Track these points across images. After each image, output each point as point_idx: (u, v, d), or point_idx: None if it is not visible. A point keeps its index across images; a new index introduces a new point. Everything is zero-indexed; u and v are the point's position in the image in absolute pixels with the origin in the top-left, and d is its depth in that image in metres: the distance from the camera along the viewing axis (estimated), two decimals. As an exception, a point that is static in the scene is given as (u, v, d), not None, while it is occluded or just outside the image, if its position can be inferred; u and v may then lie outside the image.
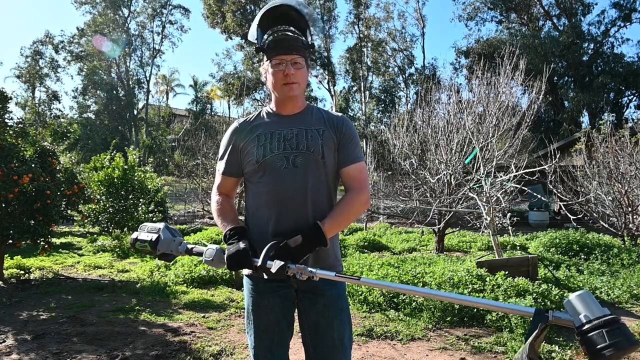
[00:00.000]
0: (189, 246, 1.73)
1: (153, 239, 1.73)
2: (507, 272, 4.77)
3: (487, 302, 1.56)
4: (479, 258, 5.79)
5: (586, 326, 1.07)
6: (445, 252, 8.47)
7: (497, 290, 4.40)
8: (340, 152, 1.76)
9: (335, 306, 1.73)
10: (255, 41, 1.71)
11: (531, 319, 1.18)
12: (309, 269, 1.48)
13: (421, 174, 8.50)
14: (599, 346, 1.03)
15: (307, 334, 1.75)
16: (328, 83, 37.73)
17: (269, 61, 1.70)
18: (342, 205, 1.71)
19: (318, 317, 1.72)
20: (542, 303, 4.08)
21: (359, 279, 1.47)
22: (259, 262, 1.50)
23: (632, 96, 26.13)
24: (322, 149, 1.71)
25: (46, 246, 6.10)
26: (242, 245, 1.55)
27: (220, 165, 1.83)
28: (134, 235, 1.81)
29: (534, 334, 1.15)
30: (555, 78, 25.67)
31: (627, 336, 1.03)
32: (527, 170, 6.11)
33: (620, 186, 7.91)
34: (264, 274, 1.52)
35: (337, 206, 1.73)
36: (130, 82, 36.90)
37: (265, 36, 1.72)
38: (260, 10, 1.71)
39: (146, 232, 1.78)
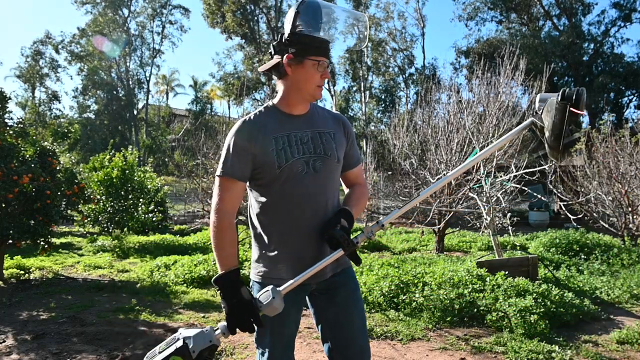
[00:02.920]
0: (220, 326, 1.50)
1: (177, 348, 1.43)
2: (507, 272, 4.77)
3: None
4: (479, 258, 5.79)
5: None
6: (445, 252, 8.47)
7: (497, 290, 4.39)
8: (348, 153, 1.79)
9: (353, 298, 1.77)
10: (294, 29, 1.57)
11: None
12: (378, 222, 1.62)
13: (421, 174, 8.49)
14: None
15: (328, 330, 1.77)
16: (328, 83, 37.68)
17: (303, 57, 1.58)
18: (358, 197, 1.78)
19: (339, 311, 1.74)
20: (542, 303, 4.07)
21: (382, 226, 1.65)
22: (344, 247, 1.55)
23: (632, 96, 26.14)
24: (337, 153, 1.72)
25: (46, 246, 6.10)
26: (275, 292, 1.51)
27: (229, 169, 1.61)
28: None
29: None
30: (555, 78, 25.66)
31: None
32: (527, 170, 6.11)
33: (620, 186, 7.91)
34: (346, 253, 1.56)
35: (353, 199, 1.78)
36: (130, 82, 36.91)
37: (305, 29, 1.57)
38: (319, 4, 1.59)
39: (161, 352, 1.46)
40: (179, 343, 1.44)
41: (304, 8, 1.57)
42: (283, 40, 1.60)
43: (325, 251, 1.63)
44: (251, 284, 1.75)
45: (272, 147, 1.62)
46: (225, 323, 1.50)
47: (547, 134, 1.51)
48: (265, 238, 1.68)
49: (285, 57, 1.59)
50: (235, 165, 1.61)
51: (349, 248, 1.55)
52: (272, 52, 1.65)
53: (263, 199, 1.67)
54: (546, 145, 1.54)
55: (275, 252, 1.65)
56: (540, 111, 1.53)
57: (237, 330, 1.48)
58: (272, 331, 1.66)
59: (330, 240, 1.58)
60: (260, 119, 1.68)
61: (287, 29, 1.59)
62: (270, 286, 1.51)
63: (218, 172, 1.63)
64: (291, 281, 1.55)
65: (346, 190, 1.89)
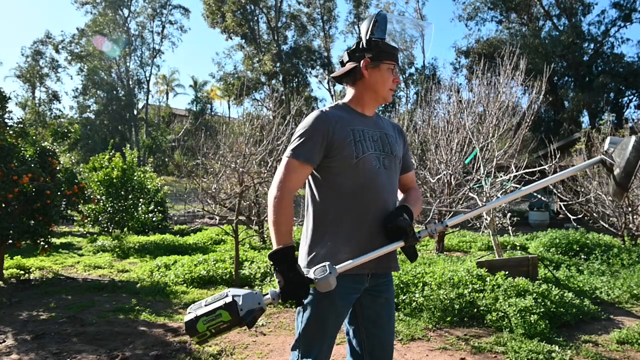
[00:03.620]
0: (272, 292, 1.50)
1: (227, 302, 1.43)
2: (507, 272, 4.77)
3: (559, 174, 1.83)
4: (479, 258, 5.79)
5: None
6: (445, 252, 8.47)
7: (497, 290, 4.39)
8: (403, 158, 1.90)
9: (392, 304, 1.87)
10: (372, 35, 1.71)
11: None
12: (443, 222, 1.70)
13: (421, 174, 8.49)
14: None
15: (363, 328, 1.81)
16: (328, 83, 37.71)
17: (379, 61, 1.72)
18: (415, 200, 1.88)
19: (380, 311, 1.80)
20: (542, 303, 4.07)
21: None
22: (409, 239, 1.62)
23: (632, 96, 26.13)
24: (399, 154, 1.84)
25: (46, 246, 6.10)
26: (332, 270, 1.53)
27: (304, 152, 1.63)
28: (190, 317, 1.43)
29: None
30: (555, 78, 25.67)
31: None
32: (527, 170, 6.11)
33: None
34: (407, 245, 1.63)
35: (411, 200, 1.87)
36: (130, 82, 36.94)
37: (381, 37, 1.73)
38: (390, 14, 1.78)
39: (207, 305, 1.46)
40: (228, 299, 1.44)
41: (381, 18, 1.75)
42: (360, 47, 1.73)
43: (384, 246, 1.69)
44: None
45: (350, 137, 1.69)
46: (276, 290, 1.52)
47: (617, 171, 1.60)
48: (331, 225, 1.69)
49: (363, 61, 1.72)
50: (309, 149, 1.64)
51: (412, 240, 1.62)
52: (345, 60, 1.78)
53: (337, 187, 1.69)
54: (613, 182, 1.63)
55: (341, 240, 1.67)
56: (612, 151, 1.65)
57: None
58: (329, 333, 1.71)
59: (394, 231, 1.64)
60: (338, 111, 1.75)
61: (364, 36, 1.74)
62: (327, 262, 1.53)
63: (288, 154, 1.65)
64: (350, 261, 1.58)
65: (399, 194, 1.96)
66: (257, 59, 34.22)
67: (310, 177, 1.74)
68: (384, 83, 1.75)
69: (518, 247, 8.09)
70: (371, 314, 1.80)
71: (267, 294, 1.53)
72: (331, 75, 1.84)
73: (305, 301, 1.62)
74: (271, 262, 1.55)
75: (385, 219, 1.68)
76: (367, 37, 1.72)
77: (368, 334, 1.80)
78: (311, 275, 1.51)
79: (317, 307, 1.68)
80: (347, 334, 1.87)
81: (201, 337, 1.44)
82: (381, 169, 1.73)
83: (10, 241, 5.88)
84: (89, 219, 10.74)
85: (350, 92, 1.80)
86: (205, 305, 1.45)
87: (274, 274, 1.55)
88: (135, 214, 11.43)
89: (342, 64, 1.80)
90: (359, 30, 1.81)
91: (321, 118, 1.68)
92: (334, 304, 1.68)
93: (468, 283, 4.52)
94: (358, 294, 1.74)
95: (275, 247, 1.56)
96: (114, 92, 35.84)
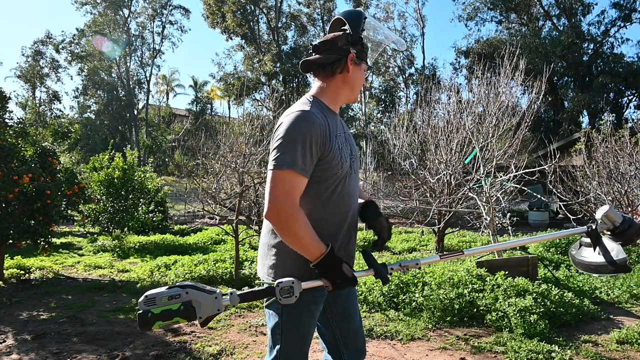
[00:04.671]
0: (240, 292, 1.50)
1: (184, 311, 1.42)
2: (507, 272, 4.78)
3: (543, 236, 1.90)
4: (479, 258, 5.80)
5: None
6: (445, 252, 8.46)
7: (497, 290, 4.40)
8: None
9: (355, 291, 1.90)
10: (361, 32, 1.66)
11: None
12: (415, 261, 1.67)
13: (421, 174, 8.50)
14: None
15: (334, 322, 1.83)
16: (328, 83, 37.72)
17: (361, 60, 1.67)
18: (362, 191, 1.95)
19: (345, 304, 1.82)
20: (542, 303, 4.08)
21: (463, 252, 1.72)
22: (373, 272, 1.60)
23: (632, 96, 26.13)
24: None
25: (46, 246, 6.11)
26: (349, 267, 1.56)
27: (300, 164, 1.49)
28: (145, 314, 1.41)
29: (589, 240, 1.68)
30: (555, 78, 25.68)
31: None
32: (527, 170, 6.11)
33: (620, 186, 7.91)
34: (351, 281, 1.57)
35: (364, 195, 1.93)
36: (131, 82, 36.96)
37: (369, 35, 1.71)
38: (370, 17, 1.74)
39: (165, 301, 1.43)
40: (186, 307, 1.43)
41: (368, 18, 1.69)
42: (348, 40, 1.62)
43: (354, 251, 1.75)
44: (267, 279, 1.70)
45: (336, 145, 1.59)
46: (237, 295, 1.51)
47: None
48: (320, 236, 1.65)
49: (349, 55, 1.63)
50: (307, 160, 1.50)
51: (382, 272, 1.61)
52: (321, 48, 1.64)
53: (319, 196, 1.60)
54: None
55: None
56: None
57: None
58: (309, 341, 1.72)
59: (379, 229, 1.76)
60: (321, 112, 1.61)
61: (352, 30, 1.63)
62: (293, 279, 1.52)
63: (283, 165, 1.47)
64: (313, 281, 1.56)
65: None
66: (257, 59, 34.22)
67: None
68: (359, 83, 1.69)
69: (518, 247, 8.09)
70: (338, 309, 1.81)
71: (226, 295, 1.50)
72: (305, 59, 1.67)
73: (282, 321, 1.63)
74: (319, 270, 1.52)
75: (367, 216, 1.76)
76: (355, 33, 1.62)
77: (339, 328, 1.82)
78: (278, 295, 1.51)
79: (299, 323, 1.64)
80: (319, 331, 1.87)
81: (147, 331, 1.48)
82: (353, 175, 1.68)
83: (11, 241, 5.88)
84: (89, 219, 10.74)
85: (321, 85, 1.66)
86: (162, 304, 1.42)
87: (320, 280, 1.53)
88: (136, 214, 11.43)
89: (317, 50, 1.65)
90: (344, 22, 1.68)
91: (314, 123, 1.53)
92: (312, 315, 1.68)
93: (468, 283, 4.52)
94: (326, 294, 1.72)
95: (311, 257, 1.51)
96: (114, 92, 35.86)
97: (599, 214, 1.66)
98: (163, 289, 1.46)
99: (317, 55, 1.66)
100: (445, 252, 1.70)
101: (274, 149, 1.51)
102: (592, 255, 1.65)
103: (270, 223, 1.53)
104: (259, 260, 1.78)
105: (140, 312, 1.42)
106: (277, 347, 1.66)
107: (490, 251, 1.80)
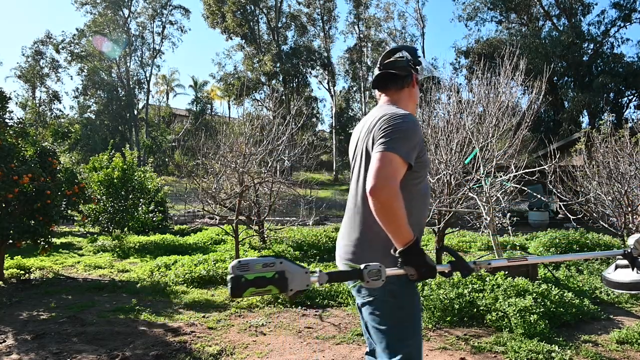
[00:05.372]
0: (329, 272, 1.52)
1: (279, 280, 1.44)
2: (506, 272, 4.78)
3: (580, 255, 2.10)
4: (479, 258, 5.80)
5: None
6: (445, 252, 8.46)
7: (497, 290, 4.40)
8: None
9: None
10: (426, 66, 2.01)
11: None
12: (487, 262, 1.72)
13: (421, 174, 8.49)
14: None
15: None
16: (328, 83, 37.73)
17: (417, 82, 1.97)
18: None
19: None
20: (542, 303, 4.08)
21: (527, 259, 1.84)
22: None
23: (632, 96, 26.14)
24: None
25: (46, 246, 6.10)
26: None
27: (409, 155, 1.63)
28: (238, 280, 1.42)
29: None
30: (555, 78, 25.68)
31: None
32: (527, 170, 6.11)
33: (620, 186, 7.91)
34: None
35: None
36: (131, 82, 36.95)
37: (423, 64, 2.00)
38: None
39: (259, 268, 1.46)
40: (281, 276, 1.44)
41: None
42: (413, 63, 1.92)
43: None
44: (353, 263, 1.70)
45: (425, 147, 1.79)
46: (325, 275, 1.51)
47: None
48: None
49: (415, 74, 1.93)
50: (411, 154, 1.65)
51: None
52: (395, 64, 1.89)
53: (411, 189, 1.71)
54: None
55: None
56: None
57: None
58: (418, 320, 1.76)
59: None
60: None
61: (411, 57, 1.93)
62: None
63: (393, 149, 1.60)
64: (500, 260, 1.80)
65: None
66: (257, 59, 34.23)
67: None
68: (418, 97, 1.98)
69: (518, 247, 8.09)
70: None
71: (315, 272, 1.52)
72: (385, 67, 1.91)
73: (397, 305, 1.69)
74: (402, 256, 1.55)
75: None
76: (415, 58, 1.92)
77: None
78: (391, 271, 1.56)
79: (414, 304, 1.73)
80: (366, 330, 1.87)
81: (237, 298, 1.47)
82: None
83: (11, 241, 5.88)
84: (89, 219, 10.74)
85: (393, 98, 1.90)
86: (256, 270, 1.44)
87: (401, 268, 1.56)
88: (136, 214, 11.43)
89: (386, 68, 1.90)
90: (400, 50, 1.96)
91: (418, 124, 1.73)
92: (419, 303, 1.78)
93: (468, 283, 4.52)
94: None
95: (400, 242, 1.55)
96: (114, 92, 35.85)
97: (631, 241, 1.89)
98: (255, 257, 1.50)
99: (396, 67, 1.90)
100: (511, 257, 1.78)
101: (384, 135, 1.64)
102: (630, 275, 1.86)
103: (373, 200, 1.56)
104: (341, 245, 1.83)
105: (232, 276, 1.41)
106: (409, 340, 1.69)
107: (549, 262, 1.98)
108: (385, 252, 1.63)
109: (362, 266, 1.52)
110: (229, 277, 1.43)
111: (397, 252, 1.56)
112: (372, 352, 1.90)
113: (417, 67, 1.94)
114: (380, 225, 1.59)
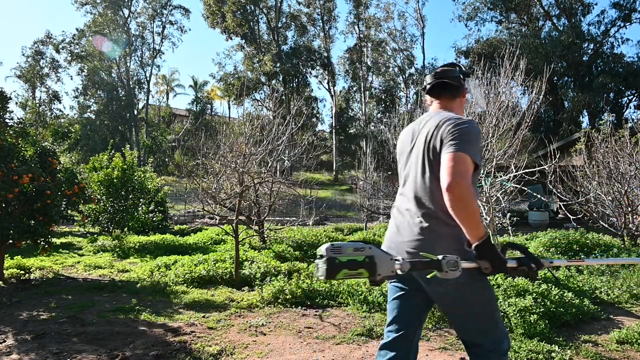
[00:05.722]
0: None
1: (369, 264, 1.52)
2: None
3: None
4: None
5: None
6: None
7: (497, 290, 4.40)
8: None
9: None
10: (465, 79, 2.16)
11: None
12: (549, 260, 1.79)
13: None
14: None
15: (424, 312, 2.07)
16: (328, 83, 37.74)
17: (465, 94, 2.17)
18: None
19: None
20: (542, 303, 4.08)
21: (584, 260, 1.97)
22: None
23: (632, 96, 26.15)
24: None
25: (46, 246, 6.10)
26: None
27: (477, 157, 1.79)
28: (331, 262, 1.49)
29: None
30: (555, 78, 25.68)
31: None
32: (527, 170, 6.11)
33: (620, 186, 7.91)
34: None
35: None
36: (131, 82, 36.94)
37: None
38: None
39: (351, 252, 1.53)
40: (371, 260, 1.51)
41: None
42: (464, 77, 2.11)
43: None
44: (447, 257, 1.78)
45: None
46: (400, 263, 1.59)
47: None
48: None
49: (464, 87, 2.13)
50: (478, 155, 1.79)
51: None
52: (448, 75, 2.06)
53: (475, 189, 1.86)
54: None
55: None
56: None
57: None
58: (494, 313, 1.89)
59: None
60: None
61: (462, 74, 2.11)
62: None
63: (465, 150, 1.74)
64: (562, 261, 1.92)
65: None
66: (257, 59, 34.23)
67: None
68: (464, 108, 2.21)
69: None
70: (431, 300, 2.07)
71: (398, 259, 1.59)
72: (436, 82, 2.07)
73: (487, 300, 1.85)
74: (477, 250, 1.66)
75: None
76: (465, 74, 2.12)
77: (423, 318, 2.09)
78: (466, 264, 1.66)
79: (487, 296, 1.87)
80: (401, 308, 2.02)
81: (331, 279, 1.54)
82: None
83: (11, 241, 5.88)
84: (89, 219, 10.74)
85: (446, 105, 2.06)
86: (348, 254, 1.50)
87: (475, 262, 1.67)
88: (136, 214, 11.43)
89: (442, 76, 2.06)
90: (455, 65, 2.16)
91: (479, 129, 1.91)
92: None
93: (468, 283, 4.52)
94: None
95: (475, 237, 1.67)
96: (114, 92, 35.84)
97: None
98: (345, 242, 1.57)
99: (446, 80, 2.06)
100: (570, 259, 1.83)
101: (454, 138, 1.76)
102: None
103: (450, 195, 1.66)
104: (405, 240, 1.88)
105: (327, 258, 1.48)
106: (497, 328, 1.85)
107: (608, 264, 2.00)
108: (454, 246, 1.76)
109: (440, 257, 1.60)
110: (323, 259, 1.50)
111: (473, 246, 1.67)
112: (390, 344, 1.98)
113: (465, 81, 2.14)
114: (446, 220, 1.75)
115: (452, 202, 1.66)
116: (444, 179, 1.68)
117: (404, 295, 2.00)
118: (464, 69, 2.14)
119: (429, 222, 1.82)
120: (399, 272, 1.58)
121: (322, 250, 1.52)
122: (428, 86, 2.09)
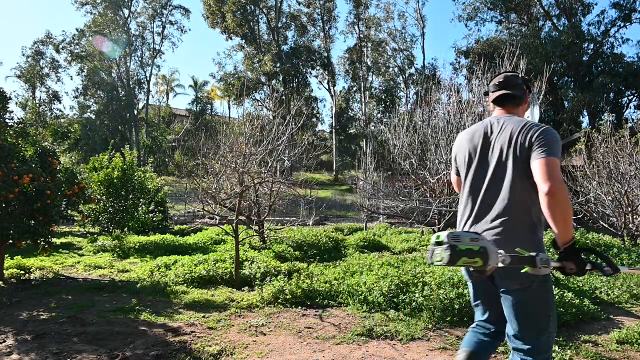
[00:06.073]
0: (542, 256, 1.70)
1: (485, 253, 1.62)
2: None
3: None
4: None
5: None
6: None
7: (497, 290, 4.39)
8: None
9: None
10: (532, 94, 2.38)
11: None
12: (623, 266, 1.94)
13: (421, 174, 8.50)
14: None
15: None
16: (328, 83, 37.73)
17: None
18: None
19: None
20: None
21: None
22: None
23: (632, 96, 26.14)
24: None
25: (46, 246, 6.10)
26: None
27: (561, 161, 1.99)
28: (451, 243, 1.61)
29: None
30: (555, 78, 25.67)
31: None
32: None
33: (620, 186, 7.91)
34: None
35: None
36: (131, 82, 36.92)
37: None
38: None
39: (468, 241, 1.64)
40: (485, 250, 1.62)
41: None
42: (526, 86, 2.23)
43: None
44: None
45: None
46: (506, 254, 1.70)
47: None
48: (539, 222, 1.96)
49: (527, 95, 2.24)
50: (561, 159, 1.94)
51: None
52: (512, 84, 2.18)
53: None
54: None
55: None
56: None
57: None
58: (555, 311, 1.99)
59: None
60: None
61: (525, 84, 2.23)
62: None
63: (556, 155, 1.86)
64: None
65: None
66: (257, 59, 34.22)
67: (531, 180, 1.91)
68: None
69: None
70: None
71: (500, 253, 1.69)
72: (503, 89, 2.20)
73: (549, 301, 1.95)
74: (563, 252, 1.77)
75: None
76: (528, 84, 2.23)
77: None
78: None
79: (552, 295, 1.99)
80: (490, 305, 2.21)
81: (451, 266, 1.65)
82: None
83: (11, 241, 5.88)
84: (89, 219, 10.74)
85: (514, 110, 2.18)
86: (466, 243, 1.62)
87: (560, 262, 1.78)
88: (136, 214, 11.43)
89: (503, 87, 2.19)
90: (518, 75, 2.25)
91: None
92: None
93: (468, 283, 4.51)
94: None
95: (566, 238, 1.77)
96: (114, 92, 35.83)
97: None
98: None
99: (508, 91, 2.18)
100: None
101: (544, 144, 1.87)
102: None
103: (550, 199, 1.76)
104: (504, 236, 1.93)
105: (449, 245, 1.61)
106: (549, 326, 1.94)
107: None
108: (533, 244, 1.88)
109: (533, 253, 1.71)
110: (443, 246, 1.63)
111: (563, 247, 1.76)
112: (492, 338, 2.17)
113: (529, 90, 2.25)
114: (524, 218, 1.89)
115: (552, 205, 1.74)
116: (543, 183, 1.76)
117: (487, 291, 2.14)
118: (527, 80, 2.27)
119: (509, 219, 1.92)
120: (500, 264, 1.67)
121: (442, 236, 1.64)
122: (493, 96, 2.21)
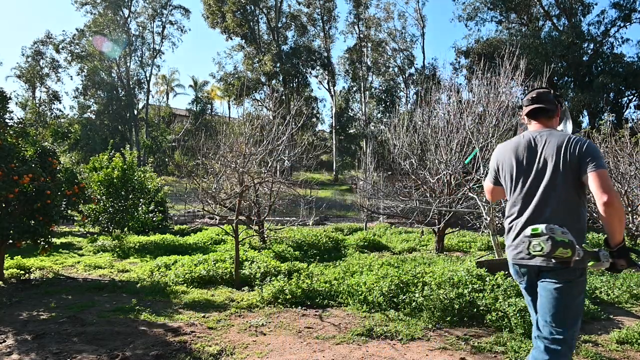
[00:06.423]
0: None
1: (570, 243, 1.88)
2: (506, 272, 4.77)
3: None
4: (479, 258, 5.80)
5: None
6: (445, 252, 8.47)
7: (497, 290, 4.40)
8: None
9: None
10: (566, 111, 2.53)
11: None
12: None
13: (421, 174, 8.50)
14: None
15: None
16: (328, 83, 37.74)
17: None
18: None
19: None
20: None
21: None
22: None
23: (632, 96, 26.15)
24: None
25: (46, 246, 6.10)
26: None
27: None
28: (549, 234, 1.86)
29: None
30: (555, 78, 25.68)
31: None
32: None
33: (620, 186, 7.91)
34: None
35: None
36: (131, 82, 36.91)
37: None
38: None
39: (560, 234, 1.87)
40: (574, 243, 1.88)
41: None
42: (557, 101, 2.37)
43: None
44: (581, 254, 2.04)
45: None
46: (581, 250, 1.94)
47: None
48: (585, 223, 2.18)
49: (559, 109, 2.39)
50: None
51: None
52: (545, 98, 2.33)
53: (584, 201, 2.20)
54: None
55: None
56: None
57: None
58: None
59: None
60: None
61: (556, 98, 2.37)
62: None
63: (606, 168, 2.09)
64: None
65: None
66: (257, 59, 34.22)
67: (581, 187, 2.15)
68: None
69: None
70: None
71: (578, 248, 1.92)
72: (536, 103, 2.34)
73: (583, 288, 2.14)
74: (616, 251, 2.01)
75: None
76: (559, 99, 2.38)
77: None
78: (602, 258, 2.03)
79: (584, 286, 2.16)
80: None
81: (550, 256, 1.87)
82: None
83: (11, 241, 5.88)
84: (89, 219, 10.74)
85: (548, 123, 2.34)
86: (559, 235, 1.85)
87: (611, 260, 2.01)
88: (136, 214, 11.43)
89: (536, 102, 2.33)
90: (549, 88, 2.44)
91: None
92: None
93: (468, 283, 4.52)
94: None
95: (619, 239, 2.01)
96: (114, 92, 35.82)
97: None
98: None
99: (541, 105, 2.33)
100: None
101: (594, 157, 2.07)
102: None
103: (610, 209, 1.97)
104: (568, 234, 2.05)
105: (548, 236, 1.85)
106: (579, 318, 2.12)
107: None
108: (582, 242, 2.09)
109: (597, 249, 1.98)
110: (543, 237, 1.87)
111: (616, 246, 2.00)
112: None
113: (560, 104, 2.40)
114: (570, 222, 2.07)
115: (610, 213, 1.97)
116: (602, 194, 1.97)
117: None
118: (557, 94, 2.43)
119: (562, 222, 2.07)
120: (576, 258, 1.90)
121: (541, 228, 1.88)
122: (527, 109, 2.36)
